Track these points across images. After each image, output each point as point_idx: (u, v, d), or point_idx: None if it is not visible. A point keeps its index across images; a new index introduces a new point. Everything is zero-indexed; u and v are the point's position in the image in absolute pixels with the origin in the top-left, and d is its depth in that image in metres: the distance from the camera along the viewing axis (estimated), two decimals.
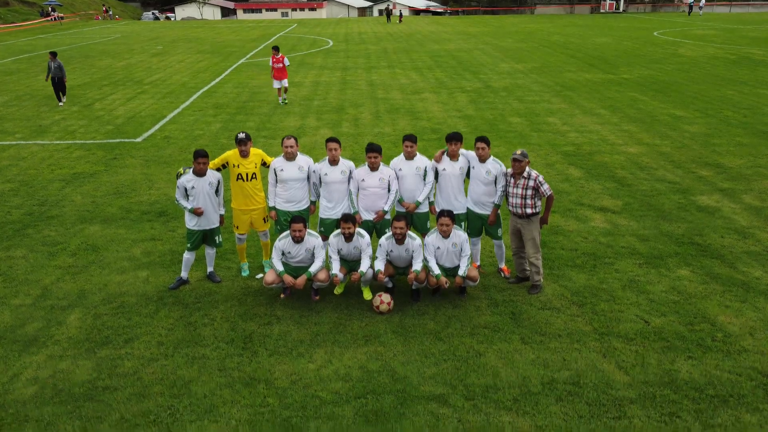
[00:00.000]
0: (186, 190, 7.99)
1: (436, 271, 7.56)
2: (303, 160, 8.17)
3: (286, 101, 20.60)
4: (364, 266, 7.61)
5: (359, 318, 7.47)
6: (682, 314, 7.45)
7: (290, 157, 8.02)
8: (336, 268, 7.69)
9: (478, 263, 8.55)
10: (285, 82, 20.21)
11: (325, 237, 8.37)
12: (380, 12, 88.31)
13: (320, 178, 8.04)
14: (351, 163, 8.16)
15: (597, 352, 6.74)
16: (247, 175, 8.15)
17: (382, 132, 16.75)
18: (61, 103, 20.68)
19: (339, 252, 7.75)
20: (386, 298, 7.55)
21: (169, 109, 19.94)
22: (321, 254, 7.70)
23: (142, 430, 5.67)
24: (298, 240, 7.49)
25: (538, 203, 7.82)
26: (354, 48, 38.40)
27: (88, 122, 18.25)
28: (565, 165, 13.42)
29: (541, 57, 32.10)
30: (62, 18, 67.99)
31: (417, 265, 7.54)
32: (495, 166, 7.96)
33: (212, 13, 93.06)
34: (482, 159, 7.95)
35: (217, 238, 8.40)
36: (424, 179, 8.11)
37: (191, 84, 24.96)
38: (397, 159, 8.18)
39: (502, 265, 8.62)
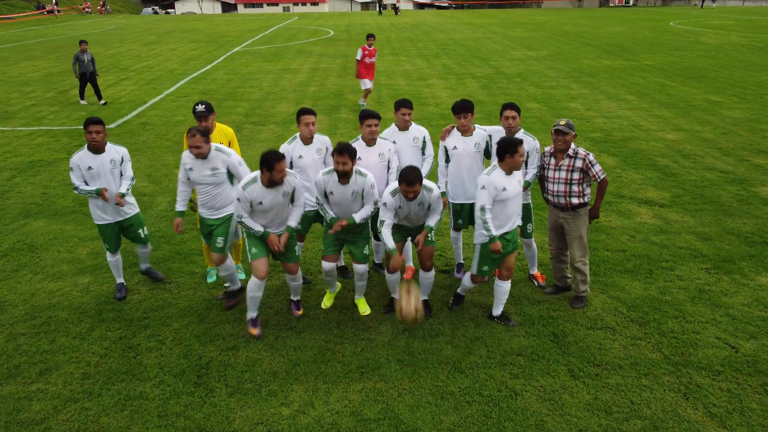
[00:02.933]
0: (81, 171, 6.11)
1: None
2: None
3: (364, 105, 15.89)
4: (361, 215, 5.71)
5: (352, 340, 5.69)
6: None
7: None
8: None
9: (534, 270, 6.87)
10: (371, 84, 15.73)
11: (301, 238, 6.65)
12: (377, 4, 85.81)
13: (292, 162, 6.23)
14: (327, 139, 6.36)
15: (675, 391, 4.95)
16: None
17: (384, 119, 14.90)
18: (102, 102, 16.89)
19: (328, 197, 5.74)
20: (416, 299, 5.40)
21: (152, 95, 18.18)
22: (299, 207, 5.74)
23: None
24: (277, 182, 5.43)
25: (587, 190, 6.02)
26: (356, 38, 36.58)
27: (60, 108, 16.50)
28: (596, 152, 11.60)
29: (555, 45, 30.24)
30: (59, 11, 66.33)
31: (432, 220, 5.71)
32: (527, 140, 6.17)
33: (212, 9, 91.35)
34: (512, 132, 6.16)
35: (141, 231, 6.58)
36: (423, 153, 6.37)
37: (179, 71, 23.20)
38: (388, 131, 6.41)
39: (535, 271, 6.83)
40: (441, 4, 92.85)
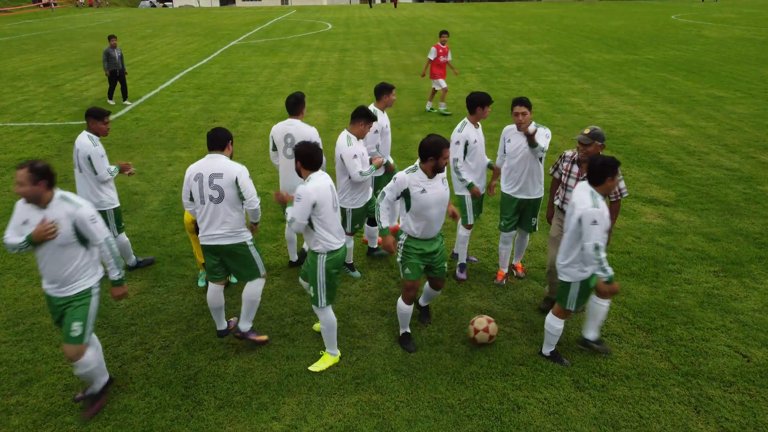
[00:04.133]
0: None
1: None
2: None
3: (448, 111, 14.52)
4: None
5: (348, 349, 5.45)
6: None
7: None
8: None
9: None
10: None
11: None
12: None
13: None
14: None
15: (685, 404, 4.72)
16: None
17: None
18: (127, 102, 16.00)
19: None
20: (485, 321, 5.41)
21: (146, 90, 17.88)
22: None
23: None
24: None
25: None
26: (355, 31, 36.23)
27: (52, 103, 16.21)
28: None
29: (555, 39, 29.91)
30: (55, 4, 65.79)
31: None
32: (540, 130, 5.97)
33: (210, 1, 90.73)
34: (522, 128, 5.94)
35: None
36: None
37: (175, 65, 22.88)
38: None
39: (517, 262, 6.71)
40: None
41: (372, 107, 6.89)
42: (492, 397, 4.82)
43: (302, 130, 6.31)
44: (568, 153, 5.71)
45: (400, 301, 5.33)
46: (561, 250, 5.03)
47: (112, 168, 6.32)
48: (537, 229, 6.53)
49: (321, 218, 4.81)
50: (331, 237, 4.90)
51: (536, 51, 25.36)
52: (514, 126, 6.13)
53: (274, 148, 6.55)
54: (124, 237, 6.73)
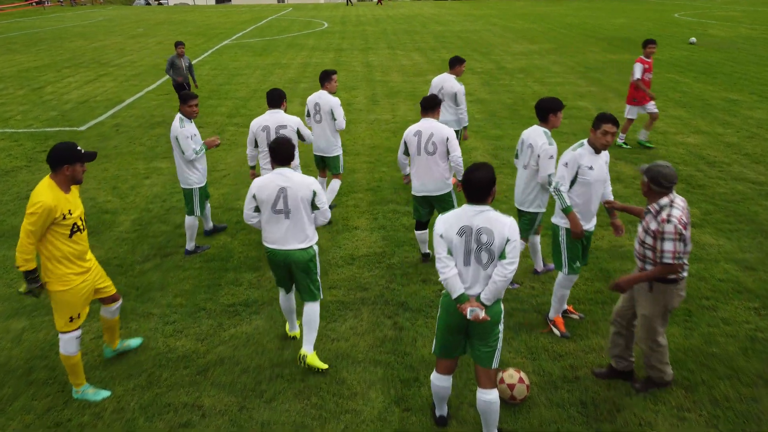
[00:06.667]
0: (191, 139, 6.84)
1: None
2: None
3: (650, 143, 11.40)
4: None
5: (334, 413, 4.60)
6: None
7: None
8: None
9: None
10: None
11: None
12: None
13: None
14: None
15: None
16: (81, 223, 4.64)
17: (379, 119, 13.85)
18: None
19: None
20: (513, 372, 4.67)
21: (130, 93, 17.00)
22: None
23: None
24: None
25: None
26: (351, 29, 35.34)
27: (30, 107, 15.33)
28: (612, 160, 10.50)
29: (557, 38, 29.05)
30: (48, 3, 64.73)
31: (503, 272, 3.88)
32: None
33: (205, 0, 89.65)
34: (606, 147, 5.20)
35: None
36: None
37: (164, 65, 21.92)
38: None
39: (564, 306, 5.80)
40: None
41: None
42: None
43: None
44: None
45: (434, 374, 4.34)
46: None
47: (198, 147, 6.81)
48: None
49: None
50: (265, 234, 4.96)
51: (538, 51, 24.51)
52: (584, 148, 5.17)
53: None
54: (194, 221, 7.11)
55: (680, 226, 4.27)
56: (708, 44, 25.25)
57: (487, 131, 12.54)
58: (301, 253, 4.87)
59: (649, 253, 4.45)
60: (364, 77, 19.17)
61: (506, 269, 3.81)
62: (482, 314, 3.81)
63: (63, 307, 4.54)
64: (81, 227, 4.55)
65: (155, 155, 11.22)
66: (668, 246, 4.28)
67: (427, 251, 6.98)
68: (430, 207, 6.65)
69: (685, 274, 4.50)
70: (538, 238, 6.46)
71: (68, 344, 4.60)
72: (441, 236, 3.93)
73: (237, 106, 15.21)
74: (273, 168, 4.82)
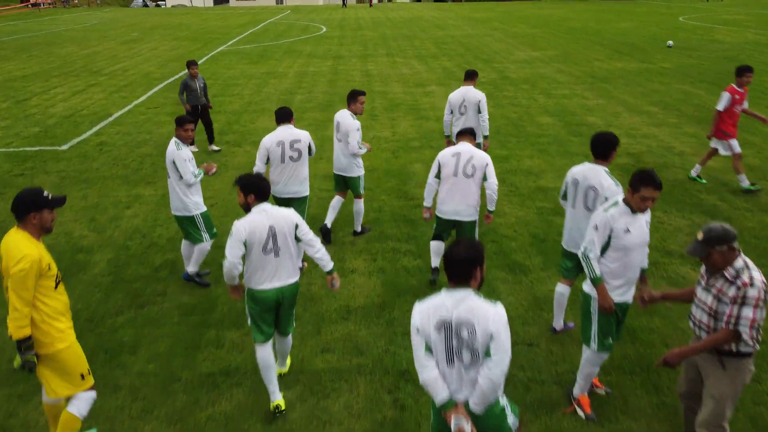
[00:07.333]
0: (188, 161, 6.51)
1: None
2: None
3: (755, 186, 9.53)
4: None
5: None
6: None
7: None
8: None
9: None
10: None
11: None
12: None
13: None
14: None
15: None
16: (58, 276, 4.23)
17: (378, 136, 13.15)
18: (214, 147, 12.04)
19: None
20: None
21: (119, 106, 16.28)
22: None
23: None
24: None
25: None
26: (349, 34, 34.62)
27: (11, 122, 14.61)
28: (626, 185, 9.79)
29: (561, 44, 28.33)
30: (43, 5, 64.01)
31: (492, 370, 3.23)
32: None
33: (203, 2, 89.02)
34: (644, 211, 4.53)
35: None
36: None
37: (156, 74, 21.26)
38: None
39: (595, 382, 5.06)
40: None
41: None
42: None
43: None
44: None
45: None
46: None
47: (197, 171, 6.51)
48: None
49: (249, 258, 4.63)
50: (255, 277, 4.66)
51: (542, 59, 23.80)
52: (618, 209, 4.46)
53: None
54: (207, 245, 6.77)
55: (764, 291, 3.74)
56: (716, 52, 24.55)
57: (492, 151, 11.80)
58: (291, 287, 4.76)
59: (721, 325, 3.84)
60: (362, 88, 18.44)
61: (491, 371, 3.14)
62: (468, 428, 3.13)
63: (72, 364, 4.20)
64: (59, 276, 4.19)
65: (139, 179, 10.51)
66: (747, 312, 3.72)
67: (437, 266, 6.74)
68: (451, 229, 6.54)
69: (758, 347, 3.84)
70: (568, 291, 5.73)
71: (86, 404, 4.28)
72: (417, 330, 3.28)
73: (229, 121, 14.49)
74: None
